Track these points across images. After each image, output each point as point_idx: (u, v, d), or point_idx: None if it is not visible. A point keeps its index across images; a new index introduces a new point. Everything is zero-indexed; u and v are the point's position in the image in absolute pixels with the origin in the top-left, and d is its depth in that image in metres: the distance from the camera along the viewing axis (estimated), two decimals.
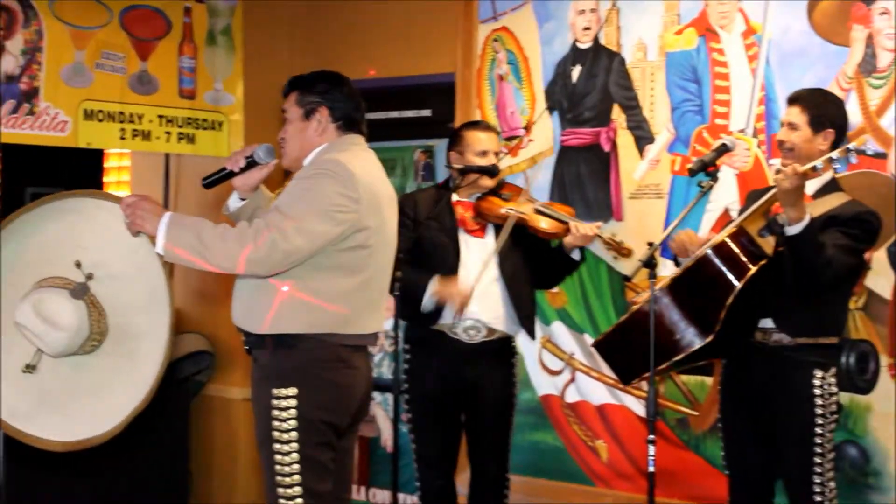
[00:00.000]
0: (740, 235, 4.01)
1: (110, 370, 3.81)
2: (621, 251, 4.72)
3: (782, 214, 3.93)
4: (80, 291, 3.69)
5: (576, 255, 4.73)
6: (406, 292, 4.49)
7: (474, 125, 4.85)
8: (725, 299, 3.93)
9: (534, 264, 4.76)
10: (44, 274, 3.75)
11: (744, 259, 3.97)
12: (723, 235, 4.03)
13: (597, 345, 4.31)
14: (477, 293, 4.60)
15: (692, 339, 3.98)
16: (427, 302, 4.57)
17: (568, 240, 4.67)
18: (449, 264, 4.65)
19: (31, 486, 5.49)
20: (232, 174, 3.84)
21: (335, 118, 3.79)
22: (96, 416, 3.77)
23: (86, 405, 3.80)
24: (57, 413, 3.76)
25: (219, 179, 3.85)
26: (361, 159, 3.74)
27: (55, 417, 3.75)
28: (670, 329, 4.00)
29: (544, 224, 4.68)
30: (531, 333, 4.79)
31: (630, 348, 4.06)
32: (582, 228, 4.63)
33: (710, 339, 3.95)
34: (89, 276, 3.72)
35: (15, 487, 5.50)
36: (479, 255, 4.69)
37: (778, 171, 3.91)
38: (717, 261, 3.97)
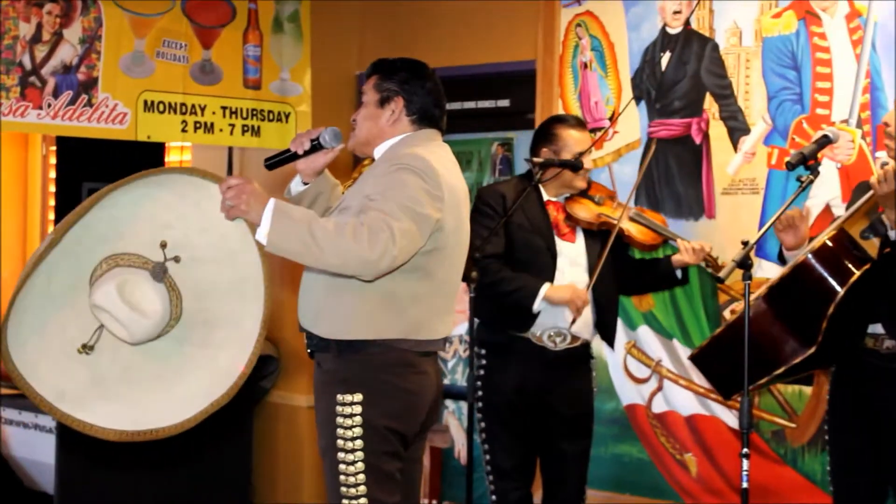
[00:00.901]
0: (842, 238, 3.97)
1: (180, 358, 3.70)
2: (717, 268, 4.76)
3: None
4: (158, 272, 3.60)
5: (678, 274, 4.77)
6: (509, 297, 4.57)
7: (567, 122, 4.80)
8: (828, 306, 3.90)
9: (621, 272, 4.77)
10: (119, 250, 3.63)
11: (846, 263, 3.93)
12: (823, 238, 3.98)
13: (693, 358, 4.29)
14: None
15: (794, 350, 3.95)
16: (539, 306, 4.57)
17: (677, 257, 4.74)
18: (545, 270, 4.64)
19: (88, 484, 5.71)
20: (296, 156, 3.84)
21: (410, 111, 3.79)
22: (161, 406, 3.65)
23: (149, 393, 3.68)
24: (114, 399, 3.64)
25: (282, 161, 3.85)
26: (439, 155, 3.72)
27: (111, 404, 3.63)
28: (770, 340, 3.96)
29: (640, 235, 4.74)
30: (610, 342, 4.80)
31: (729, 361, 4.00)
32: (696, 244, 4.70)
33: (813, 349, 3.91)
34: (176, 259, 3.62)
35: (72, 488, 5.67)
36: (569, 260, 4.69)
37: (883, 165, 3.88)
38: (817, 265, 3.94)
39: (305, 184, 3.94)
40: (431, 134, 3.81)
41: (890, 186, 3.79)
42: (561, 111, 5.57)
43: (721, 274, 4.11)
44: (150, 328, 3.58)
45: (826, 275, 3.92)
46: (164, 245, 3.60)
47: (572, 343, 4.66)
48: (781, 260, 4.31)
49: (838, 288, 3.89)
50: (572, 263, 4.67)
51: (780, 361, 3.96)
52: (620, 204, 4.80)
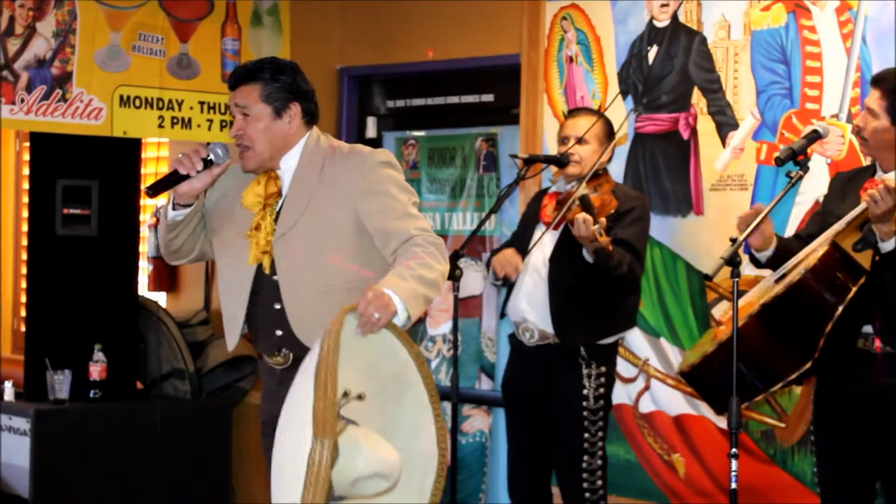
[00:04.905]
0: (835, 252, 3.94)
1: None
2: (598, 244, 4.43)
3: None
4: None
5: (586, 255, 4.53)
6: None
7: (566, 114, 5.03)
8: (826, 324, 3.88)
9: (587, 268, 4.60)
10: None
11: (842, 279, 3.89)
12: (817, 254, 3.94)
13: (684, 375, 4.26)
14: (525, 290, 4.68)
15: (790, 366, 3.93)
16: (489, 276, 4.77)
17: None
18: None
19: (64, 487, 5.72)
20: (186, 178, 3.64)
21: (304, 112, 3.72)
22: None
23: None
24: None
25: (169, 184, 3.65)
26: None
27: None
28: (765, 359, 3.94)
29: (572, 216, 4.50)
30: (571, 343, 4.65)
31: (722, 379, 3.95)
32: (578, 221, 4.38)
33: (808, 365, 3.91)
34: (360, 397, 3.34)
35: (47, 491, 5.67)
36: (540, 249, 4.70)
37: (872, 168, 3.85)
38: (814, 284, 3.89)
39: (185, 205, 3.71)
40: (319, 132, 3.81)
41: (885, 205, 3.75)
42: (546, 106, 5.57)
43: (709, 271, 4.11)
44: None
45: (823, 293, 3.88)
46: (346, 394, 3.32)
47: (542, 340, 4.67)
48: (754, 261, 4.27)
49: (836, 305, 3.87)
50: (541, 252, 4.68)
51: (775, 379, 3.95)
52: (595, 186, 4.68)
